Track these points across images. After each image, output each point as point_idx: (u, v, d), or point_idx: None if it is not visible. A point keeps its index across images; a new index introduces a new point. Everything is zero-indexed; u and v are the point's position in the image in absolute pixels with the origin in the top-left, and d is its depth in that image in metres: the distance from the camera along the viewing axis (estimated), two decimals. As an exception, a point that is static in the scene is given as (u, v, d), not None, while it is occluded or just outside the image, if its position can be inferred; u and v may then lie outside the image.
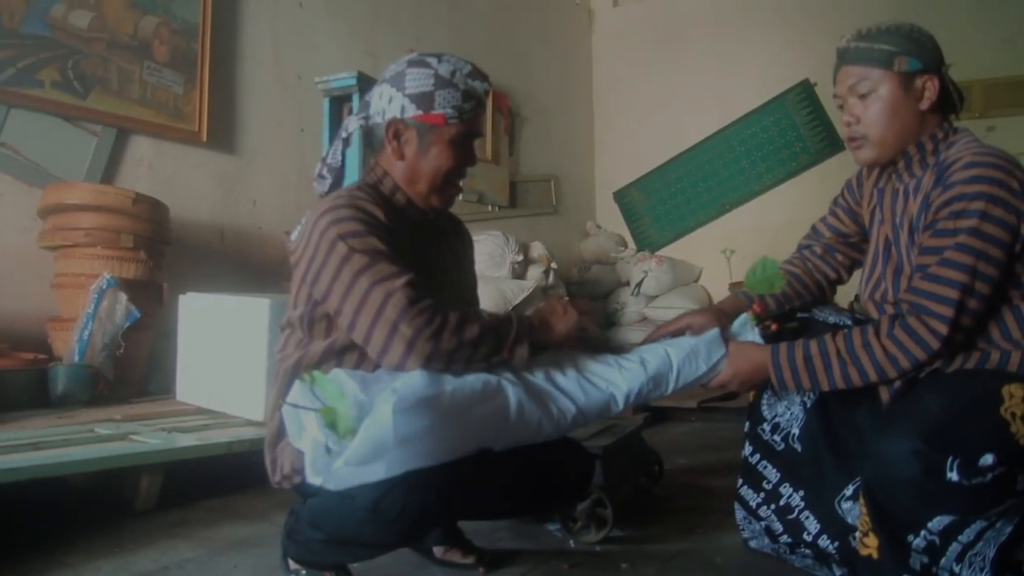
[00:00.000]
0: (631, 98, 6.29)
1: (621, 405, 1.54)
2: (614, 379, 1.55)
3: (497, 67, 5.49)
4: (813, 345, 1.56)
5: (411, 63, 1.55)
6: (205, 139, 3.64)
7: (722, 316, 1.79)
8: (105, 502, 2.24)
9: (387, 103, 1.56)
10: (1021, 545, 1.56)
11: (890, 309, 1.66)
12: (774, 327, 1.83)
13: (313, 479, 1.30)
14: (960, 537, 1.41)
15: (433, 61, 1.54)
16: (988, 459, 1.32)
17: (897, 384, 1.58)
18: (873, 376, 1.51)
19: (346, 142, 1.68)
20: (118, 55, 3.32)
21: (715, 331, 1.67)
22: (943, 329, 1.45)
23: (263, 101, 3.98)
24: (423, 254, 1.59)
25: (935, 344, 1.46)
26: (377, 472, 1.27)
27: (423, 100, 1.52)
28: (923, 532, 1.41)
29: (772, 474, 1.78)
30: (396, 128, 1.55)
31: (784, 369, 1.57)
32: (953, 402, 1.42)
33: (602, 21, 6.52)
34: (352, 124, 1.65)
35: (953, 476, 1.33)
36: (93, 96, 3.23)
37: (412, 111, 1.53)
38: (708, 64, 5.93)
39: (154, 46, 3.46)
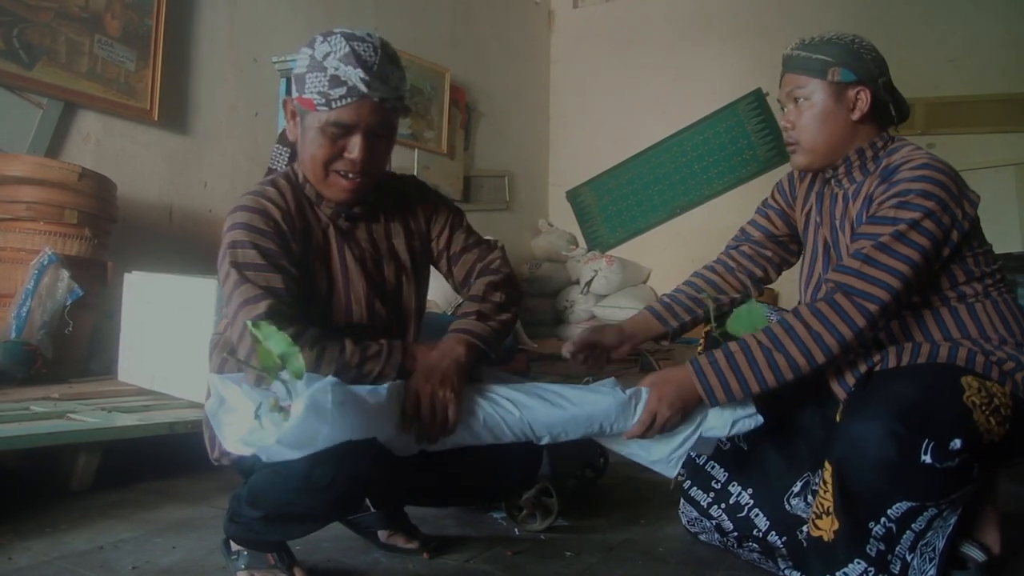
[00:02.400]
0: (587, 99, 6.34)
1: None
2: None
3: (456, 61, 5.51)
4: (732, 344, 1.54)
5: (307, 43, 1.48)
6: (156, 118, 3.57)
7: (623, 335, 1.82)
8: (39, 482, 2.18)
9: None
10: (961, 538, 1.62)
11: None
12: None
13: (236, 449, 1.30)
14: (913, 525, 1.43)
15: (318, 40, 1.45)
16: (957, 443, 1.35)
17: (850, 382, 1.61)
18: (802, 361, 1.47)
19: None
20: (67, 26, 3.24)
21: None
22: (874, 309, 1.46)
23: (217, 83, 3.91)
24: (326, 257, 1.55)
25: (861, 322, 1.46)
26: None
27: (299, 82, 1.46)
28: (883, 519, 1.43)
29: (720, 473, 1.80)
30: (290, 108, 1.53)
31: (708, 374, 1.50)
32: (921, 388, 1.44)
33: (562, 22, 6.56)
34: None
35: (927, 459, 1.34)
36: (39, 67, 3.14)
37: (295, 92, 1.48)
38: (664, 70, 6.00)
39: (106, 20, 3.38)
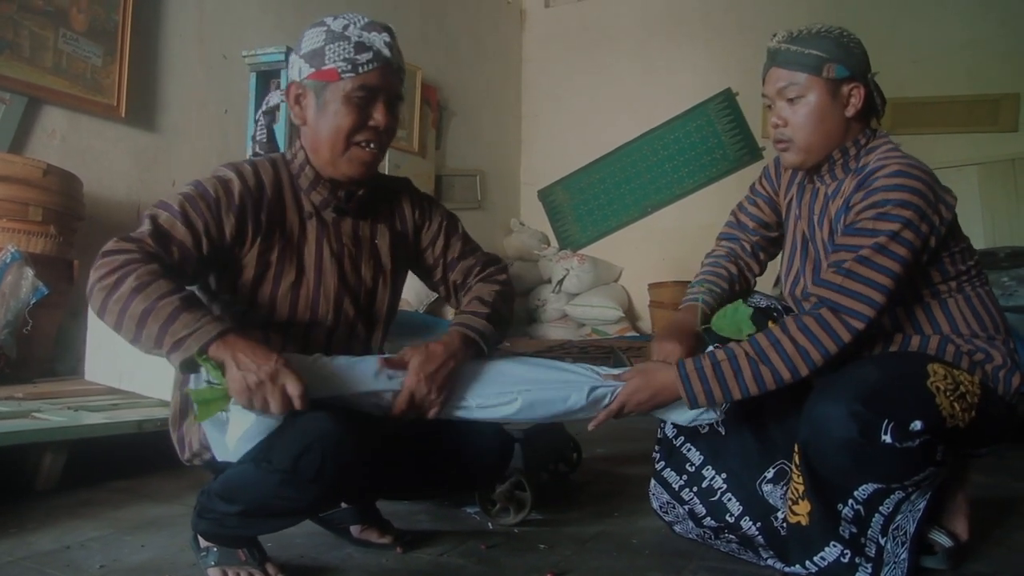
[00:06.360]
0: (559, 98, 6.35)
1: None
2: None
3: (427, 60, 5.49)
4: (719, 352, 1.54)
5: (312, 26, 1.52)
6: (124, 114, 3.52)
7: (682, 334, 1.68)
8: (2, 482, 2.14)
9: (289, 69, 1.55)
10: (931, 524, 1.64)
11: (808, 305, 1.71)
12: None
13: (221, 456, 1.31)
14: (881, 508, 1.46)
15: (329, 19, 1.50)
16: (917, 425, 1.38)
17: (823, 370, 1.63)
18: (786, 374, 1.49)
19: (270, 116, 1.66)
20: (31, 20, 3.18)
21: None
22: (859, 325, 1.48)
23: (186, 79, 3.87)
24: (299, 247, 1.53)
25: (847, 337, 1.48)
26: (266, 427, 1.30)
27: (315, 57, 1.47)
28: (850, 501, 1.46)
29: (695, 456, 1.78)
30: (295, 92, 1.52)
31: (693, 380, 1.51)
32: (886, 372, 1.47)
33: (533, 21, 6.57)
34: (274, 98, 1.63)
35: (887, 439, 1.37)
36: (1, 60, 3.09)
37: (307, 70, 1.48)
38: (635, 69, 6.04)
39: (71, 14, 3.33)
